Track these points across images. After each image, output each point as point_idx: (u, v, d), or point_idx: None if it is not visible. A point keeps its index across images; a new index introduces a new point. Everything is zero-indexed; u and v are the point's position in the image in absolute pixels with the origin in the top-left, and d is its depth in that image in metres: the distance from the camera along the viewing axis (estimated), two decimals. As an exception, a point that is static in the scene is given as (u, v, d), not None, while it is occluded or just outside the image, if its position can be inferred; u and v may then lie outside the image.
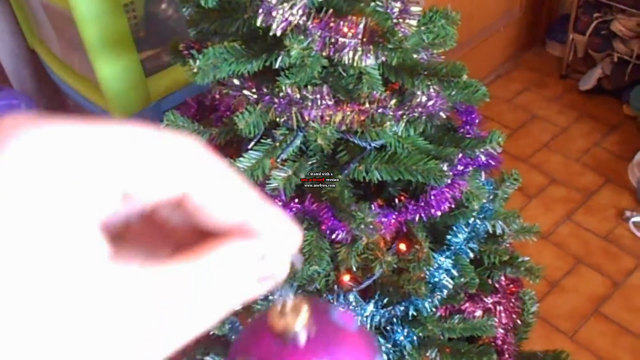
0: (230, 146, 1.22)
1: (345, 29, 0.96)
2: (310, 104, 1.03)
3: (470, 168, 1.16)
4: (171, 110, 1.19)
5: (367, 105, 1.03)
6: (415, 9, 1.00)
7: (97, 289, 0.21)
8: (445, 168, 1.10)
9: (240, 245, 0.25)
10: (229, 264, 0.24)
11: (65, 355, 0.21)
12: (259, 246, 0.26)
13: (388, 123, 1.02)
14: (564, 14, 3.18)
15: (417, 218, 1.12)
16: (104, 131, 0.23)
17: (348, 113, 1.03)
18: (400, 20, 1.00)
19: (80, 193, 0.22)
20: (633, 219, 2.37)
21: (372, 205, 1.11)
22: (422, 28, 1.10)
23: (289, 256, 0.27)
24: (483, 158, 1.18)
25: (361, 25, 0.96)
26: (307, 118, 1.03)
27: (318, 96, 1.03)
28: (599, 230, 2.37)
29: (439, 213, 1.12)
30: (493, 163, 1.20)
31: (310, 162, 1.16)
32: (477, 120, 1.25)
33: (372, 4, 1.00)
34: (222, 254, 0.25)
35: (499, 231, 1.32)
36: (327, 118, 1.03)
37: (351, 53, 0.97)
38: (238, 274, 0.25)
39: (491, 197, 1.28)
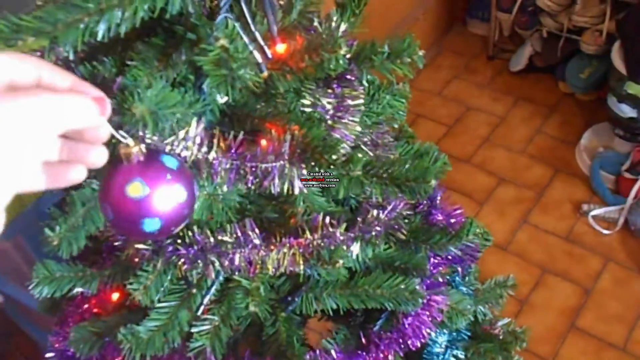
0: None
1: (265, 150, 0.67)
2: (230, 247, 0.74)
3: (445, 273, 0.90)
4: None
5: (308, 236, 0.75)
6: (354, 101, 0.73)
7: None
8: (417, 287, 0.84)
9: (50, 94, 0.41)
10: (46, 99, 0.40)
11: None
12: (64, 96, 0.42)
13: (341, 261, 0.74)
14: (482, -11, 2.96)
15: (391, 355, 0.86)
16: None
17: (284, 251, 0.75)
18: (338, 121, 0.72)
19: None
20: (592, 213, 2.21)
21: (333, 351, 0.84)
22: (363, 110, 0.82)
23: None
24: (458, 254, 0.93)
25: (286, 143, 0.68)
26: (228, 267, 0.74)
27: (239, 235, 0.74)
28: (559, 230, 2.20)
29: (418, 343, 0.86)
30: (470, 256, 0.95)
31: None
32: (438, 199, 1.00)
33: (294, 104, 0.71)
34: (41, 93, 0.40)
35: (481, 317, 1.09)
36: (257, 264, 0.75)
37: (277, 180, 0.69)
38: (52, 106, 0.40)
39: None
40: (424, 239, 0.91)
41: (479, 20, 3.01)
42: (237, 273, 0.75)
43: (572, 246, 2.16)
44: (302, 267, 0.75)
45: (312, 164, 0.69)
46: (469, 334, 1.04)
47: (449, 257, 0.95)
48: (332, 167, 0.68)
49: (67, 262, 0.87)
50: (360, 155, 0.68)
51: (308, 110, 0.71)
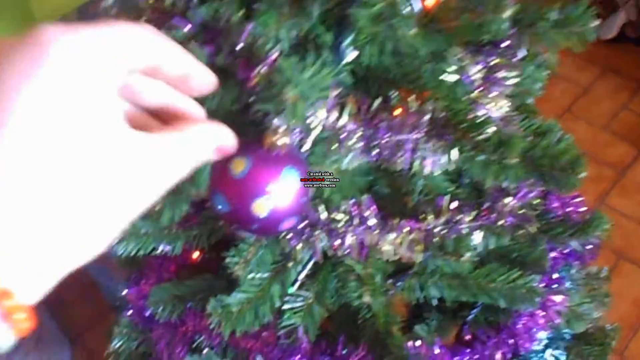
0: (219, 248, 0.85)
1: (404, 120, 0.58)
2: (342, 226, 0.66)
3: (565, 272, 0.81)
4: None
5: (430, 220, 0.66)
6: (507, 74, 0.62)
7: (117, 142, 0.32)
8: (535, 284, 0.75)
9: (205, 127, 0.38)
10: (198, 137, 0.37)
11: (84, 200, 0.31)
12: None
13: (468, 254, 0.65)
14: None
15: (498, 355, 0.78)
16: (104, 32, 0.32)
17: (402, 236, 0.66)
18: (484, 95, 0.62)
19: (99, 72, 0.31)
20: (676, 200, 2.07)
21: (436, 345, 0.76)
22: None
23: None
24: (579, 249, 0.83)
25: (425, 115, 0.58)
26: (337, 248, 0.66)
27: (355, 213, 0.65)
28: (639, 215, 2.07)
29: (531, 346, 0.77)
30: (591, 253, 0.85)
31: (335, 273, 0.79)
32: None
33: (437, 69, 0.61)
34: (195, 130, 0.37)
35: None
36: (371, 247, 0.66)
37: (408, 155, 0.60)
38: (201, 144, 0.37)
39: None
40: (544, 230, 0.81)
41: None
42: (345, 255, 0.67)
43: (652, 234, 2.02)
44: (420, 255, 0.66)
45: (453, 141, 0.59)
46: (571, 332, 0.95)
47: (567, 251, 0.85)
48: (476, 149, 0.58)
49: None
50: (516, 140, 0.57)
51: (452, 78, 0.61)
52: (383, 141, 0.57)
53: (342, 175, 0.60)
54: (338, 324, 0.82)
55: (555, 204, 0.90)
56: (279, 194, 0.49)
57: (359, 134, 0.56)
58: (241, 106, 0.54)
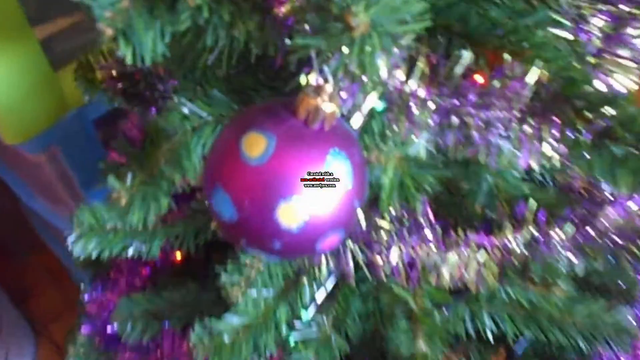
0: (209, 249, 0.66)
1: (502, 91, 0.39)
2: (386, 237, 0.47)
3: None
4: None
5: (508, 236, 0.48)
6: (636, 30, 0.43)
7: None
8: (624, 318, 0.57)
9: None
10: None
11: None
12: None
13: (562, 285, 0.46)
14: None
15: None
16: None
17: (469, 254, 0.47)
18: (605, 59, 0.43)
19: None
20: None
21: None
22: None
23: None
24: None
25: (531, 76, 0.39)
26: (380, 268, 0.47)
27: (405, 220, 0.46)
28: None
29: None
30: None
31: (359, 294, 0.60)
32: None
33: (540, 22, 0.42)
34: None
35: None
36: (425, 268, 0.47)
37: (496, 141, 0.41)
38: None
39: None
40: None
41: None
42: (388, 278, 0.48)
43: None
44: (494, 282, 0.47)
45: (565, 124, 0.40)
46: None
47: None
48: (608, 137, 0.39)
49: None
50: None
51: (562, 35, 0.42)
52: (467, 118, 0.38)
53: (402, 167, 0.40)
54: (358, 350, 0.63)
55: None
56: (319, 193, 0.29)
57: (434, 106, 0.37)
58: (261, 51, 0.34)
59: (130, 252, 0.61)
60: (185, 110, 0.46)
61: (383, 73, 0.32)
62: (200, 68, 0.49)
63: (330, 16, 0.24)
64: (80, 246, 0.57)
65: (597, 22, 0.42)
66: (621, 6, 0.43)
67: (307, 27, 0.25)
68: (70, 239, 0.56)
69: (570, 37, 0.42)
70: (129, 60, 0.31)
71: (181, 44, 0.44)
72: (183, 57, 0.48)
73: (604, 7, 0.43)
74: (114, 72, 0.56)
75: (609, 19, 0.43)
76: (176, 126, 0.46)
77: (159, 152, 0.44)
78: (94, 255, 0.58)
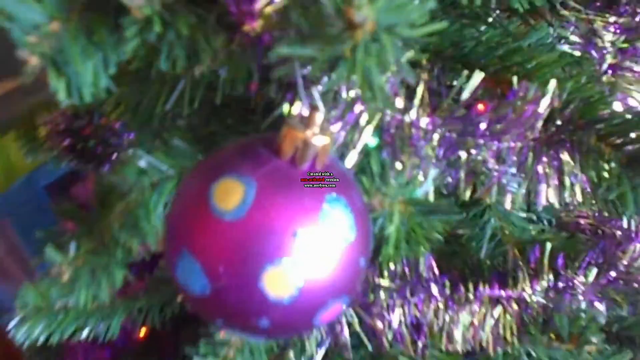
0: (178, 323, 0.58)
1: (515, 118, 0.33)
2: (386, 297, 0.40)
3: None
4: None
5: (525, 287, 0.41)
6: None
7: None
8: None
9: None
10: None
11: None
12: None
13: (594, 340, 0.40)
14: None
15: None
16: None
17: (484, 312, 0.41)
18: (619, 75, 0.38)
19: None
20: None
21: None
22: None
23: None
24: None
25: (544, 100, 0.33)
26: (381, 332, 0.40)
27: (408, 276, 0.40)
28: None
29: None
30: None
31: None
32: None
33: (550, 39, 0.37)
34: None
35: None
36: (434, 331, 0.40)
37: (516, 180, 0.35)
38: None
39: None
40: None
41: None
42: (391, 344, 0.41)
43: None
44: (514, 343, 0.40)
45: (588, 151, 0.34)
46: None
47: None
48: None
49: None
50: None
51: (571, 51, 0.37)
52: (476, 151, 0.32)
53: (408, 213, 0.34)
54: None
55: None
56: (315, 252, 0.23)
57: (438, 136, 0.31)
58: (229, 86, 0.28)
59: (85, 333, 0.52)
60: (143, 164, 0.39)
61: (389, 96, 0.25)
62: (159, 115, 0.42)
63: (324, 13, 0.17)
64: (24, 331, 0.49)
65: (609, 37, 0.37)
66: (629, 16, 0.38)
67: (291, 34, 0.19)
68: (12, 324, 0.48)
69: (578, 53, 0.37)
70: (61, 97, 0.25)
71: (134, 85, 0.37)
72: (137, 102, 0.41)
73: (617, 20, 0.38)
74: (59, 127, 0.49)
75: (621, 31, 0.38)
76: (132, 183, 0.39)
77: (112, 214, 0.37)
78: (40, 340, 0.49)
